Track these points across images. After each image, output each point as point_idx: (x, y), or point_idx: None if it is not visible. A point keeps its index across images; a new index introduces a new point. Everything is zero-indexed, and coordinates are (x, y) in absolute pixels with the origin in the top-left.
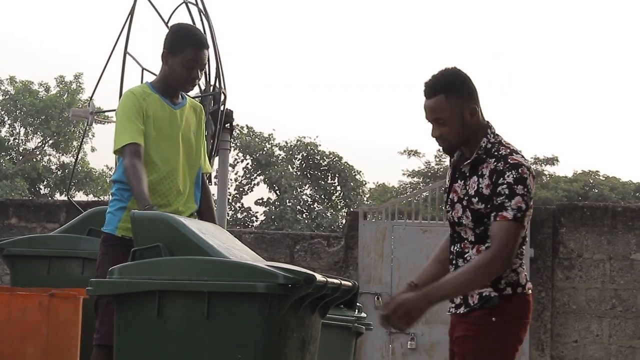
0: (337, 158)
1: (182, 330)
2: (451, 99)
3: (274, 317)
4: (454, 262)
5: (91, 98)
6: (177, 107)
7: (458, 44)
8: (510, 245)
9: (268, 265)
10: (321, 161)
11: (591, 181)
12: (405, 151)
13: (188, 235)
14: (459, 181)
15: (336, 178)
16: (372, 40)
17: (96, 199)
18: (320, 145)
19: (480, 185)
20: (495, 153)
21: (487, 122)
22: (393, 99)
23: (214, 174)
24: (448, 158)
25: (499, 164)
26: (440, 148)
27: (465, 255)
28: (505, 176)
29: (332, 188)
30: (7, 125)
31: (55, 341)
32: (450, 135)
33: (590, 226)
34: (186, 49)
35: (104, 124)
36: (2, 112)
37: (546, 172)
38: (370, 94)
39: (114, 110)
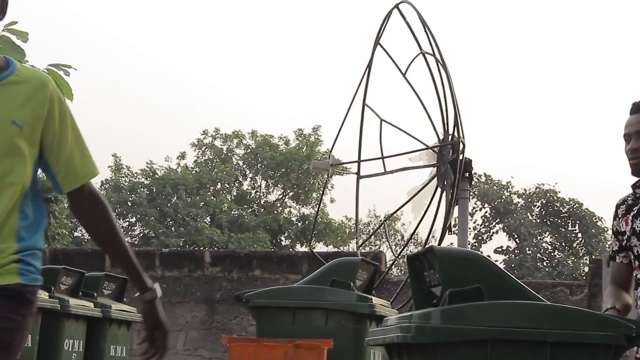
0: (577, 204)
1: None
2: None
3: None
4: None
5: (331, 150)
6: None
7: None
8: None
9: (605, 314)
10: (561, 208)
11: None
12: None
13: (502, 275)
14: None
15: (577, 225)
16: (606, 81)
17: (336, 249)
18: (559, 192)
19: None
20: None
21: None
22: None
23: (453, 222)
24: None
25: None
26: (632, 165)
27: None
28: None
29: (573, 235)
30: (248, 179)
31: None
32: None
33: None
34: None
35: (342, 175)
36: (244, 166)
37: None
38: (609, 135)
39: (354, 162)
